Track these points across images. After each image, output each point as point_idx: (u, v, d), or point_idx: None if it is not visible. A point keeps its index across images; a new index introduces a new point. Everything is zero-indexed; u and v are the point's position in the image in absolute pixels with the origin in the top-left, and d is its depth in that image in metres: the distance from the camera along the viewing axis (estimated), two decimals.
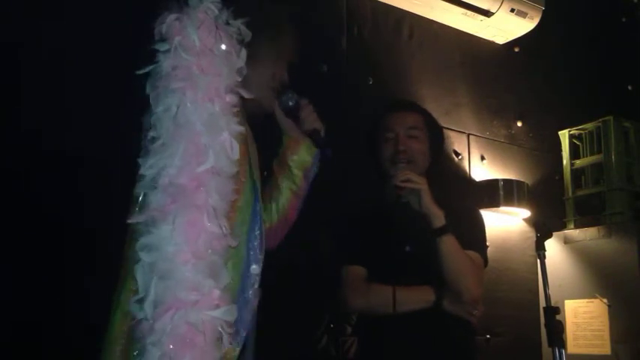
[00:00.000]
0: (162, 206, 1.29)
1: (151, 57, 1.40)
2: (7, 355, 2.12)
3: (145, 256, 1.28)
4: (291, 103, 1.81)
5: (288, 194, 1.83)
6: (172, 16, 1.37)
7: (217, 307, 1.28)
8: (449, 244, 2.13)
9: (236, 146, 1.39)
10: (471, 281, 2.17)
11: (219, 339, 1.29)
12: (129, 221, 1.33)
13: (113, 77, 2.18)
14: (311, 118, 1.81)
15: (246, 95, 1.47)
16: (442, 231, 2.13)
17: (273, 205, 1.83)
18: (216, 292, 1.29)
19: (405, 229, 2.21)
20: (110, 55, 2.35)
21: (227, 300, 1.32)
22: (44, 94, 2.30)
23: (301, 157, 1.83)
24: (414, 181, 2.17)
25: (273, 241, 1.84)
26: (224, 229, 1.33)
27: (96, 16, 2.42)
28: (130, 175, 1.44)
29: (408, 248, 2.23)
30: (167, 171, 1.30)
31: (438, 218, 2.14)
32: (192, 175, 1.31)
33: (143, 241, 1.29)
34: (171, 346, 1.21)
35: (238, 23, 1.46)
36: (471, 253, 2.23)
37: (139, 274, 1.27)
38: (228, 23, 1.44)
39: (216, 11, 1.41)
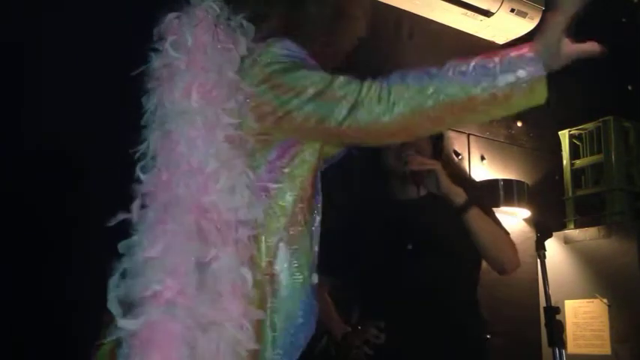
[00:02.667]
0: (149, 207, 1.29)
1: (150, 57, 1.40)
2: (7, 356, 2.12)
3: (125, 260, 1.27)
4: None
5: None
6: (172, 15, 1.37)
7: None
8: (477, 217, 2.13)
9: (220, 140, 1.35)
10: (509, 250, 2.20)
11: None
12: (108, 224, 1.33)
13: (113, 78, 2.18)
14: None
15: (247, 90, 1.45)
16: (466, 206, 2.12)
17: None
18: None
19: (407, 226, 2.20)
20: (111, 56, 2.35)
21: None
22: (44, 94, 2.30)
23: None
24: (427, 163, 2.16)
25: None
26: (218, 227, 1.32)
27: (97, 17, 2.42)
28: (130, 175, 1.44)
29: (410, 246, 2.21)
30: (154, 172, 1.30)
31: (459, 195, 2.13)
32: (170, 174, 1.30)
33: (124, 243, 1.29)
34: (138, 345, 1.21)
35: (240, 18, 1.45)
36: None
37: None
38: (229, 19, 1.43)
39: (218, 10, 1.40)
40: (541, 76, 1.29)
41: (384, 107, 1.26)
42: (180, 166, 1.29)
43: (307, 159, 1.37)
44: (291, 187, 1.35)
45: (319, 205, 1.42)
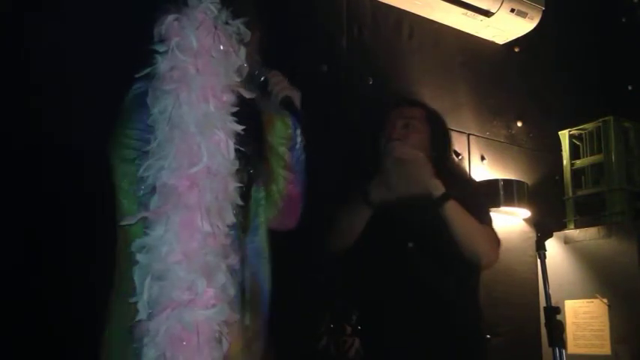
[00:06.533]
0: (157, 207, 1.30)
1: (151, 58, 1.40)
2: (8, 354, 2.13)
3: (141, 258, 1.28)
4: (262, 79, 1.71)
5: (281, 173, 1.76)
6: (171, 17, 1.37)
7: (213, 306, 1.28)
8: (453, 210, 2.12)
9: (231, 145, 1.38)
10: (485, 243, 2.17)
11: (219, 339, 1.29)
12: (121, 224, 1.34)
13: (114, 78, 2.18)
14: (279, 87, 1.71)
15: (246, 95, 1.47)
16: (444, 198, 2.12)
17: (274, 187, 1.77)
18: (211, 292, 1.29)
19: (407, 225, 2.20)
20: (110, 56, 2.35)
21: (223, 299, 1.32)
22: (45, 94, 2.30)
23: (279, 131, 1.73)
24: (408, 152, 2.17)
25: (288, 221, 1.83)
26: (217, 228, 1.33)
27: (97, 17, 2.42)
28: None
29: (410, 244, 2.21)
30: (163, 172, 1.31)
31: (437, 188, 2.14)
32: (185, 175, 1.31)
33: (139, 242, 1.30)
34: (165, 346, 1.22)
35: (238, 23, 1.46)
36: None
37: (136, 275, 1.28)
38: (227, 23, 1.44)
39: (216, 11, 1.41)
40: None
41: None
42: (199, 169, 1.31)
43: None
44: None
45: None
